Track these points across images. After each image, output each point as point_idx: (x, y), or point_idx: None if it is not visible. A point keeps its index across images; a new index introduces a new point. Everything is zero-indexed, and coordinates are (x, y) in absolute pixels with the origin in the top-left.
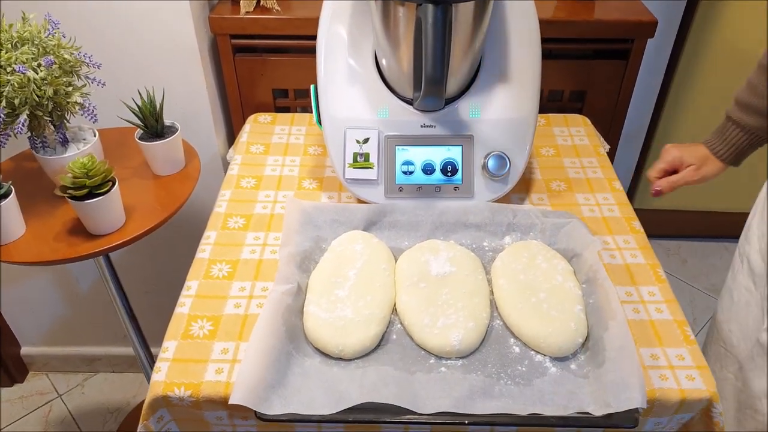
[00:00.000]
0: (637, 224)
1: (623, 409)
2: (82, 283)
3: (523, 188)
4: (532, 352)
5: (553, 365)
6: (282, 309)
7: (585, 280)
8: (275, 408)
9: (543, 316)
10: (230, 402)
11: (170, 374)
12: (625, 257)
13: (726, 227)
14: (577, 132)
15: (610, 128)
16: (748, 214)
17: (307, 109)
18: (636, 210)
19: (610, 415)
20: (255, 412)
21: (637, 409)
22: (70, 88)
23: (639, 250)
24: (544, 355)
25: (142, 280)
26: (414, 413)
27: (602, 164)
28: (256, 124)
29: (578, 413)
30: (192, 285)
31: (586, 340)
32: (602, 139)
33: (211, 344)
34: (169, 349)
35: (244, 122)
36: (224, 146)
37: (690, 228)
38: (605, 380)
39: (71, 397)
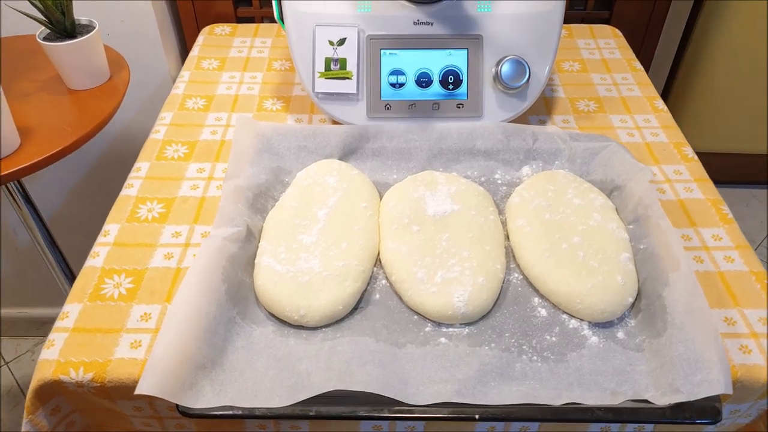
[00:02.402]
0: (689, 151)
1: (699, 397)
2: (21, 235)
3: (543, 109)
4: (564, 316)
5: (593, 334)
6: (223, 260)
7: (633, 219)
8: (205, 398)
9: (578, 268)
10: (137, 392)
11: (66, 350)
12: (677, 191)
13: (752, 171)
14: (606, 44)
15: (641, 46)
16: None
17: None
18: None
19: (680, 405)
20: (177, 405)
21: (717, 396)
22: None
23: (695, 182)
24: (581, 320)
25: (91, 235)
26: (403, 404)
27: (639, 81)
28: (212, 36)
29: (632, 401)
30: (111, 229)
31: (636, 300)
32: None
33: (128, 308)
34: (69, 315)
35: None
36: (176, 67)
37: (714, 173)
38: (669, 355)
39: (19, 364)
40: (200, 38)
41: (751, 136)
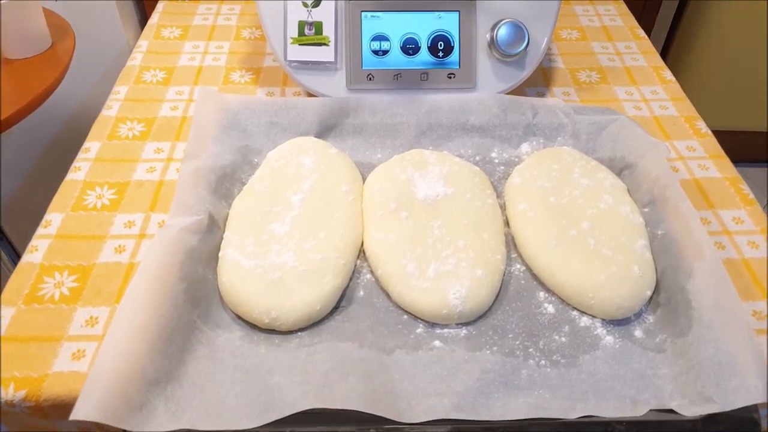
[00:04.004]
0: (701, 125)
1: (735, 407)
2: None
3: (541, 80)
4: (575, 313)
5: (607, 332)
6: (180, 254)
7: (648, 201)
8: (158, 420)
9: (589, 257)
10: (72, 417)
11: None
12: (692, 170)
13: (747, 149)
14: (606, 11)
15: (642, 13)
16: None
17: None
18: None
19: (712, 416)
20: (123, 431)
21: (755, 405)
22: None
23: (710, 159)
24: (593, 316)
25: None
26: (393, 422)
27: (644, 49)
28: (174, 2)
29: (656, 411)
30: (53, 219)
31: (654, 293)
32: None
33: (70, 311)
34: None
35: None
36: (136, 37)
37: None
38: (697, 357)
39: None
40: (160, 5)
41: (747, 112)
